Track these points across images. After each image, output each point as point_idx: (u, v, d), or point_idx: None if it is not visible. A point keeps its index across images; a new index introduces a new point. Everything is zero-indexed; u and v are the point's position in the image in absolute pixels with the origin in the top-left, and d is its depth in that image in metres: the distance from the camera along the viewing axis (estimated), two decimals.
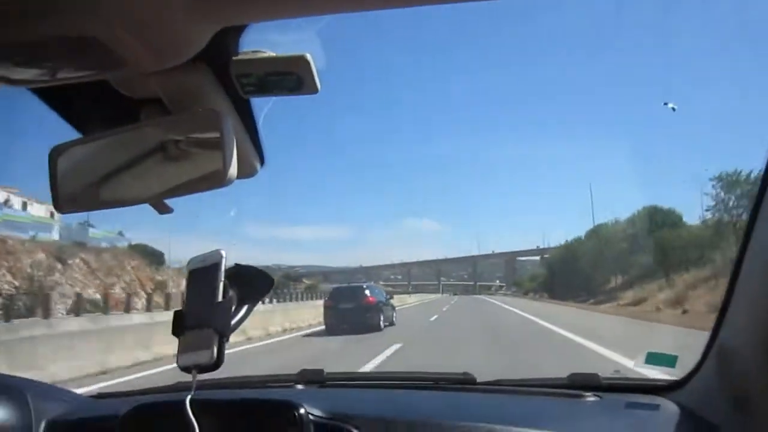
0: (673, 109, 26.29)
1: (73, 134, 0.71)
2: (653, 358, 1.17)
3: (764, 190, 0.74)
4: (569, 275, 34.24)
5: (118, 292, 28.55)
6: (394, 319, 14.43)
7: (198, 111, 0.65)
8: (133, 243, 34.58)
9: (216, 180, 0.64)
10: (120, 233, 35.76)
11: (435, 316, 17.99)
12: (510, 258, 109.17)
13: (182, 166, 0.68)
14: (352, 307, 12.90)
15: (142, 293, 30.70)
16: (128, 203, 0.70)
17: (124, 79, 0.65)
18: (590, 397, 1.06)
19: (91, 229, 30.86)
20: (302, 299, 25.43)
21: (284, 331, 13.41)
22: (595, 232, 34.15)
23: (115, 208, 0.71)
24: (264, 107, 0.74)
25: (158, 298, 29.04)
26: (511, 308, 24.17)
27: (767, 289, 0.73)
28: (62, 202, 0.70)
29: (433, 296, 62.49)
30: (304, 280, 79.92)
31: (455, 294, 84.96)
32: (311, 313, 16.95)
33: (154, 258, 32.60)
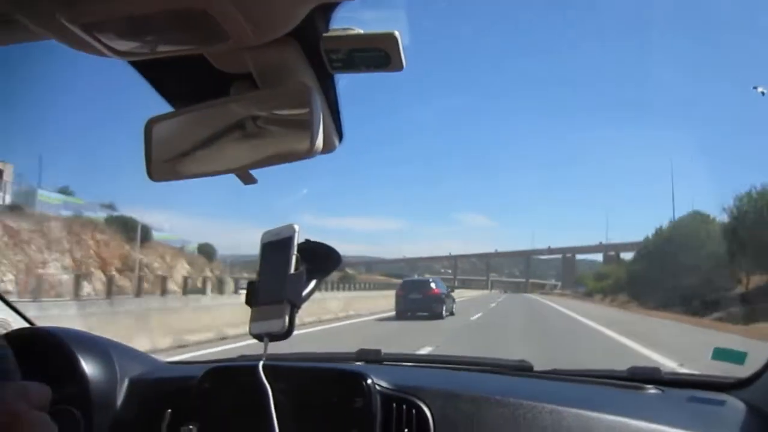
0: (763, 93, 24.19)
1: (164, 107, 0.80)
2: (721, 354, 1.21)
3: None
4: (665, 275, 24.69)
5: (52, 272, 20.59)
6: (453, 309, 18.35)
7: (288, 85, 0.74)
8: (115, 215, 26.99)
9: (302, 153, 0.72)
10: (109, 205, 28.53)
11: (441, 340, 11.07)
12: (568, 255, 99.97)
13: (267, 138, 0.76)
14: (420, 297, 16.75)
15: (100, 274, 22.86)
16: (214, 173, 0.78)
17: (218, 54, 0.73)
18: (651, 390, 1.12)
19: (42, 192, 23.50)
20: (334, 289, 22.88)
21: (319, 321, 14.01)
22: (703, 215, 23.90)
23: (203, 177, 0.79)
24: (344, 84, 0.81)
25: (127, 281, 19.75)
26: (597, 326, 14.62)
27: None
28: (155, 170, 0.78)
29: (476, 293, 56.56)
30: (347, 270, 72.43)
31: (505, 292, 76.57)
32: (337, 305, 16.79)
33: (135, 234, 24.86)
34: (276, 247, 0.83)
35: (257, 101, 0.75)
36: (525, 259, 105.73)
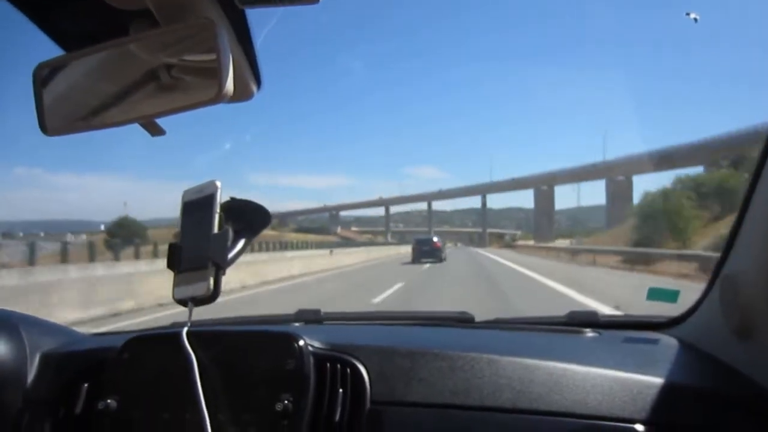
0: (696, 19, 27.15)
1: (57, 51, 0.75)
2: (655, 294, 1.24)
3: None
4: None
5: None
6: (446, 256, 30.38)
7: (190, 22, 0.69)
8: None
9: (210, 98, 0.69)
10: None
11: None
12: (544, 187, 70.83)
13: (174, 83, 0.73)
14: (428, 248, 28.75)
15: None
16: (119, 124, 0.74)
17: None
18: (589, 333, 1.18)
19: None
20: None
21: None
22: None
23: (105, 129, 0.74)
24: (264, 28, 0.78)
25: None
26: None
27: None
28: (50, 124, 0.72)
29: (404, 249, 41.35)
30: None
31: (456, 245, 73.89)
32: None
33: None
34: (198, 205, 0.81)
35: (159, 41, 0.70)
36: (479, 210, 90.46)
